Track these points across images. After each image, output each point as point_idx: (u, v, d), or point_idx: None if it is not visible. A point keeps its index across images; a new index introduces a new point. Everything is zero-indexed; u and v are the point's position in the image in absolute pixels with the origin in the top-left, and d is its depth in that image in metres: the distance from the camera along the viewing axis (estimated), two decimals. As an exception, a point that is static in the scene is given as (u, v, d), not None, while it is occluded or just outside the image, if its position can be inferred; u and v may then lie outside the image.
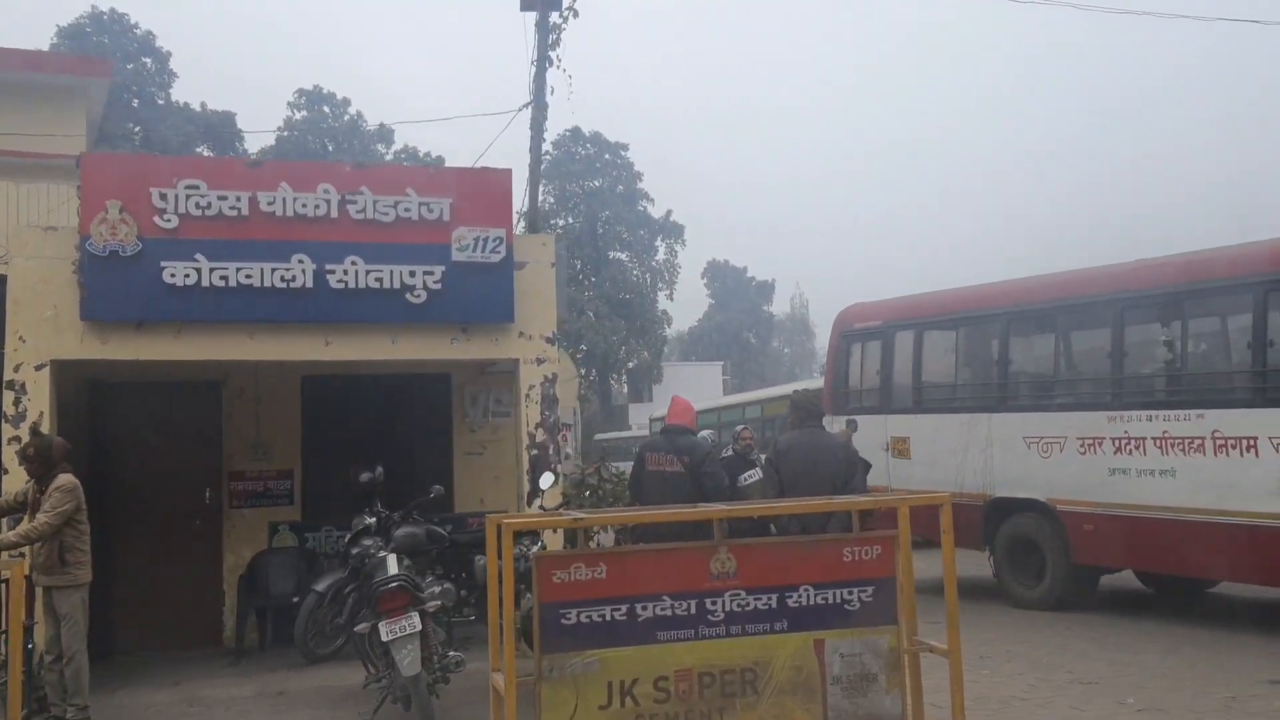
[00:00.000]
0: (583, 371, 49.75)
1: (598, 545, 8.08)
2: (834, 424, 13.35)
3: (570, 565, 5.14)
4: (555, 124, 53.16)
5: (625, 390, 54.28)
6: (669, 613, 5.30)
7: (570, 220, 50.30)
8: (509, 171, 9.78)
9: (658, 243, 52.30)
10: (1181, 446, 9.82)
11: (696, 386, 44.91)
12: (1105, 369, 10.86)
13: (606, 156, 51.13)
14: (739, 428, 12.95)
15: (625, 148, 51.46)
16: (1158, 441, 10.01)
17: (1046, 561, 11.20)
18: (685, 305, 67.18)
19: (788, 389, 21.79)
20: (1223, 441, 9.49)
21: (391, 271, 9.17)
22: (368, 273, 9.12)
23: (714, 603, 5.37)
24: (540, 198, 49.57)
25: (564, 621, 5.07)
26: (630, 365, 50.61)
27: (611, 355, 48.77)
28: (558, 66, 15.87)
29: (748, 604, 5.42)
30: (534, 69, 15.90)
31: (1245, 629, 9.92)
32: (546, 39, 15.78)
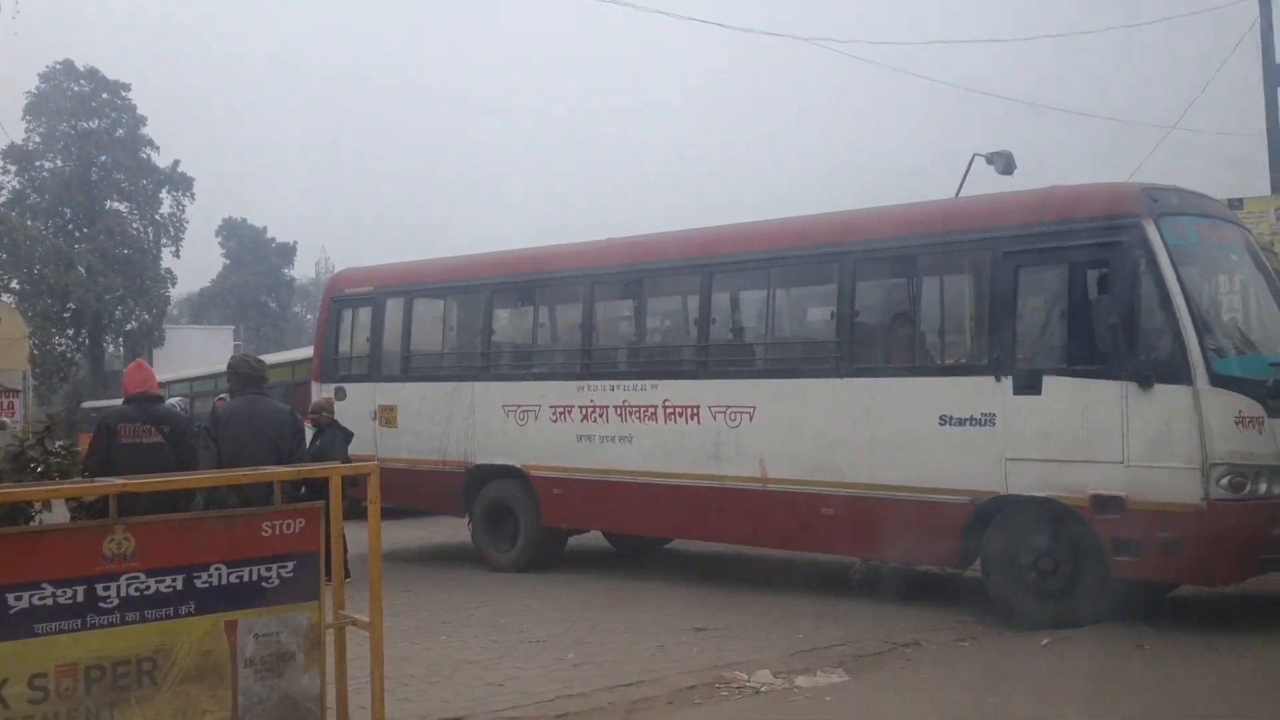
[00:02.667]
0: (70, 332, 44.77)
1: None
2: (321, 391, 12.95)
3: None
4: (50, 53, 47.15)
5: (121, 354, 49.56)
6: (50, 602, 4.67)
7: (59, 163, 44.89)
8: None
9: (163, 195, 48.11)
10: (638, 414, 10.56)
11: (205, 352, 41.98)
12: (576, 341, 11.42)
13: (105, 96, 46.13)
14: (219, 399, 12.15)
15: (127, 88, 46.71)
16: (619, 410, 10.69)
17: (520, 526, 11.59)
18: (197, 265, 62.55)
19: (299, 354, 20.94)
20: (671, 410, 10.32)
21: None
22: None
23: (107, 588, 4.82)
24: (25, 134, 43.59)
25: (-95, 620, 4.31)
26: (128, 327, 46.24)
27: (106, 315, 44.27)
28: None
29: (148, 587, 4.92)
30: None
31: (687, 582, 10.89)
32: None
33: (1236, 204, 14.21)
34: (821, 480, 9.40)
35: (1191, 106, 28.57)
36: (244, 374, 7.22)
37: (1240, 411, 7.65)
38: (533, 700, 6.64)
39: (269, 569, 5.24)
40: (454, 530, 13.65)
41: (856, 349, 9.45)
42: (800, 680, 7.04)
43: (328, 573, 5.54)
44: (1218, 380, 7.65)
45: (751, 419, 9.83)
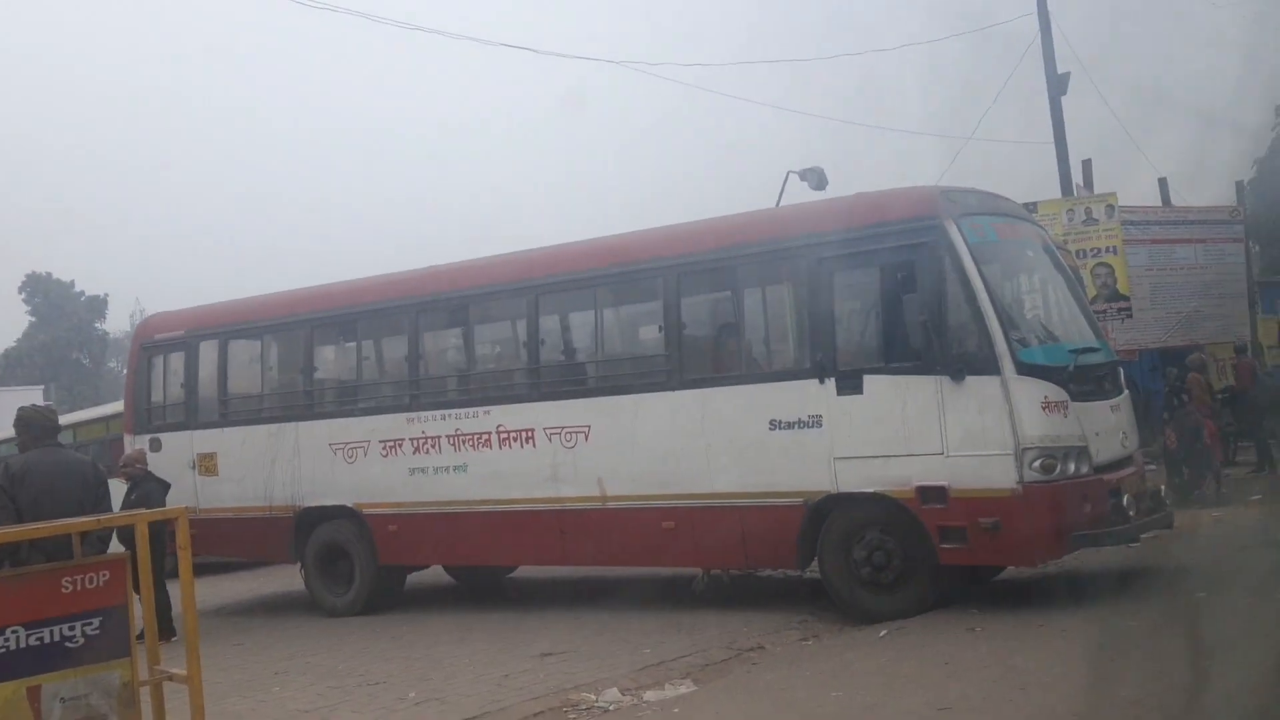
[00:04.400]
0: None
1: None
2: (134, 443, 12.26)
3: None
4: None
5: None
6: None
7: None
8: None
9: (-48, 251, 45.04)
10: (472, 442, 10.37)
11: (12, 414, 39.34)
12: (403, 372, 11.16)
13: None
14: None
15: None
16: (451, 439, 10.47)
17: (355, 567, 11.21)
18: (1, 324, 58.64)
19: (111, 409, 19.80)
20: (506, 435, 10.18)
21: None
22: None
23: (-116, 663, 4.41)
24: None
25: None
26: (-78, 394, 42.99)
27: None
28: None
29: (-67, 659, 4.53)
30: None
31: (532, 609, 10.74)
32: None
33: (1031, 207, 15.00)
34: (660, 494, 9.42)
35: (985, 116, 30.13)
36: (37, 424, 6.73)
37: (1046, 397, 8.03)
38: (373, 743, 6.39)
39: (72, 627, 4.89)
40: (288, 579, 13.12)
41: (686, 361, 9.53)
42: (649, 695, 7.00)
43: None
44: (1023, 369, 8.01)
45: (587, 438, 9.79)
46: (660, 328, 9.72)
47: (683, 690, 7.08)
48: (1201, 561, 9.54)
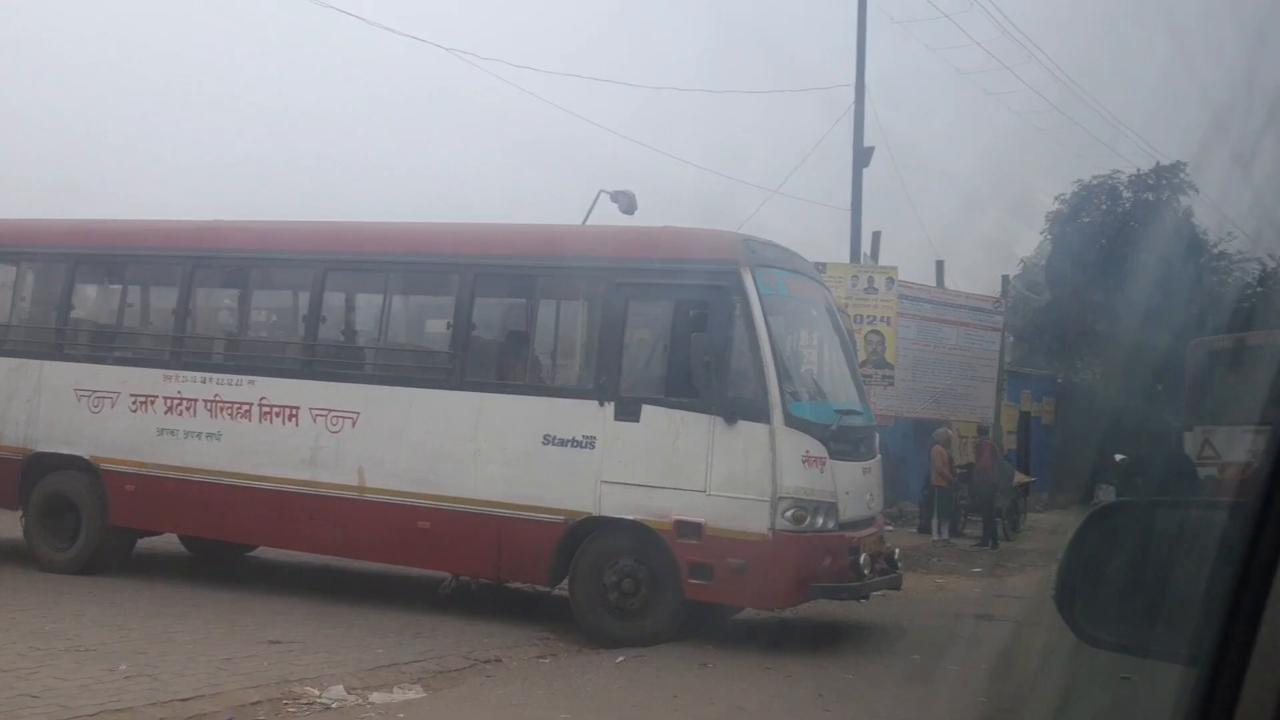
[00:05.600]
0: None
1: None
2: None
3: None
4: None
5: None
6: None
7: None
8: None
9: None
10: (231, 411, 9.90)
11: None
12: (168, 326, 10.57)
13: None
14: None
15: None
16: (209, 404, 9.97)
17: (82, 522, 10.46)
18: None
19: None
20: (269, 409, 9.77)
21: None
22: None
23: None
24: None
25: None
26: None
27: None
28: None
29: None
30: None
31: (268, 592, 10.28)
32: None
33: (820, 268, 15.70)
34: (421, 493, 9.25)
35: (793, 174, 31.44)
36: None
37: (808, 451, 8.39)
38: (71, 714, 5.97)
39: None
40: (6, 524, 12.12)
41: (469, 362, 9.43)
42: (375, 696, 6.83)
43: None
44: (791, 421, 8.35)
45: (354, 425, 9.52)
46: (449, 325, 9.58)
47: (411, 695, 6.95)
48: (922, 625, 10.16)
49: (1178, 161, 25.21)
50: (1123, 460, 15.68)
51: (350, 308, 10.47)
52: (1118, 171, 26.26)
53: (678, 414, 8.54)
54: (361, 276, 10.25)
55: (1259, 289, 23.96)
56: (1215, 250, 25.67)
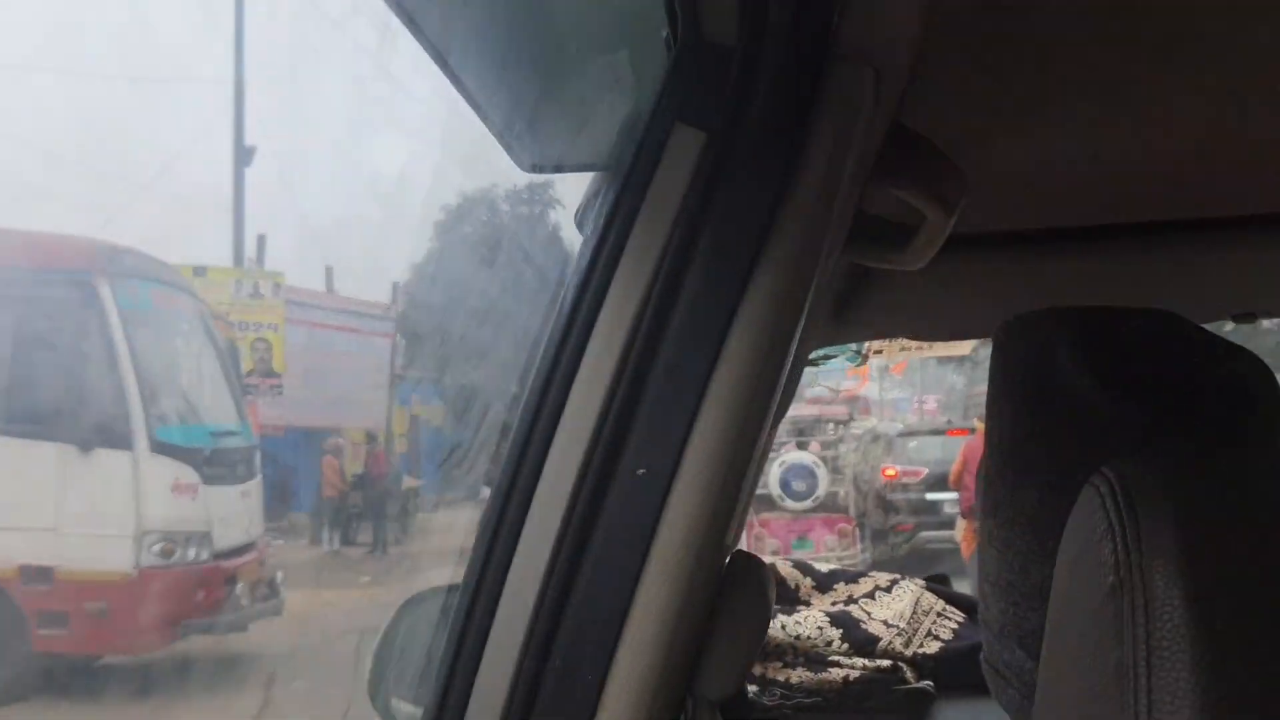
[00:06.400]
0: None
1: None
2: None
3: None
4: None
5: None
6: None
7: None
8: None
9: None
10: None
11: None
12: None
13: None
14: None
15: None
16: None
17: None
18: None
19: None
20: None
21: None
22: None
23: None
24: None
25: None
26: None
27: None
28: None
29: None
30: None
31: None
32: None
33: (201, 272, 14.79)
34: None
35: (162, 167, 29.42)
36: None
37: (178, 479, 7.80)
38: None
39: None
40: None
41: None
42: None
43: None
44: (159, 448, 7.72)
45: None
46: None
47: None
48: (308, 646, 9.93)
49: (548, 180, 27.49)
50: None
51: None
52: (497, 184, 27.98)
53: (21, 443, 7.49)
54: None
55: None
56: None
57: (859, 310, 1.73)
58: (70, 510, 7.49)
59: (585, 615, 0.74)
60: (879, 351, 2.72)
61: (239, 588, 8.24)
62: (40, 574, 7.41)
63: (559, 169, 0.90)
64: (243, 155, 18.00)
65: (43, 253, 7.94)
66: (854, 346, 2.45)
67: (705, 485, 0.74)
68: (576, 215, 0.92)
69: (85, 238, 8.38)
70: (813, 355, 2.17)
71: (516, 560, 0.77)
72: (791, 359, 0.85)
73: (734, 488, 0.77)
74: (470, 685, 0.78)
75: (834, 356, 2.45)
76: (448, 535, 16.95)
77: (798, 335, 0.82)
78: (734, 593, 0.84)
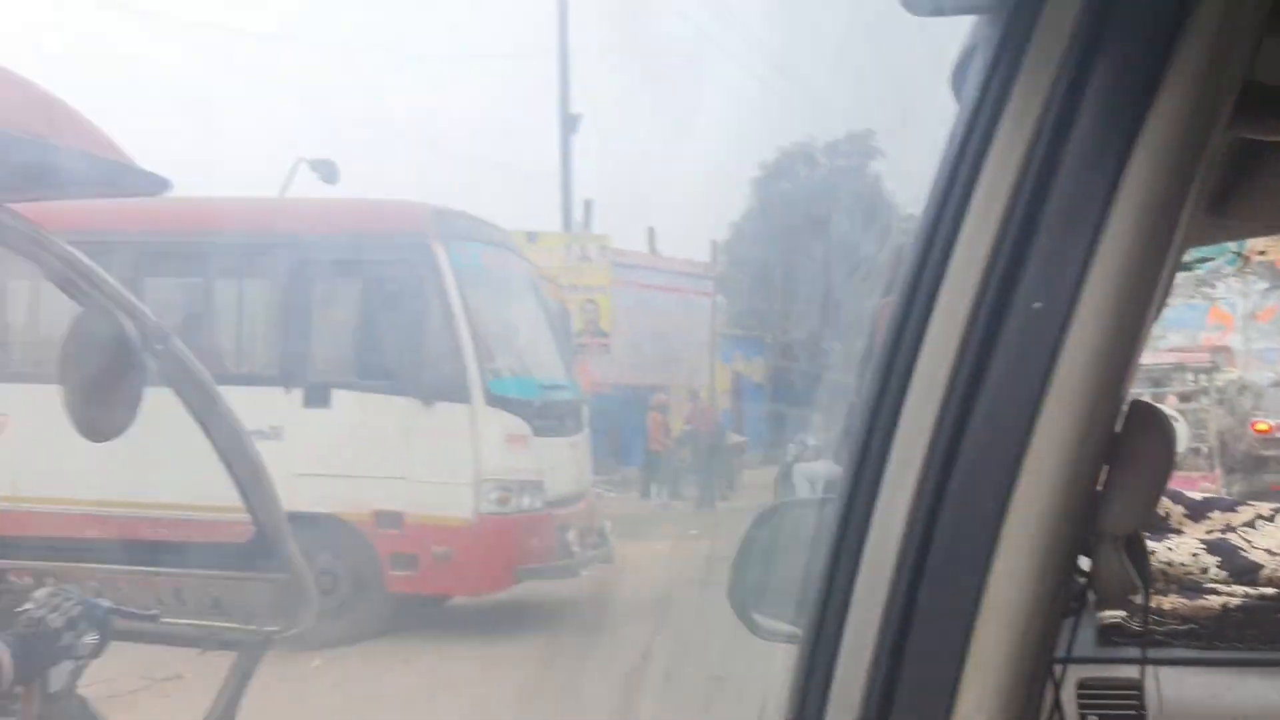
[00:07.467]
0: None
1: None
2: None
3: None
4: None
5: None
6: None
7: None
8: None
9: None
10: None
11: None
12: None
13: None
14: None
15: None
16: None
17: None
18: None
19: None
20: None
21: None
22: None
23: None
24: None
25: None
26: None
27: None
28: None
29: None
30: None
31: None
32: None
33: (532, 237, 15.48)
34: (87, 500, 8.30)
35: (500, 143, 31.07)
36: None
37: (511, 430, 8.11)
38: None
39: None
40: None
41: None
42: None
43: None
44: (493, 400, 8.04)
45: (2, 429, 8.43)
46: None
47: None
48: (636, 597, 10.15)
49: (867, 129, 26.70)
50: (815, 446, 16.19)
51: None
52: (814, 138, 27.56)
53: (371, 397, 8.05)
54: None
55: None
56: (905, 213, 27.42)
57: (1244, 200, 1.51)
58: (416, 459, 7.97)
59: (977, 458, 0.76)
60: (1263, 253, 2.30)
61: (570, 535, 8.50)
62: (393, 519, 7.95)
63: (939, 12, 0.85)
64: (568, 123, 18.61)
65: (382, 219, 8.47)
66: (1232, 247, 2.07)
67: (1105, 321, 0.74)
68: (952, 76, 0.93)
69: (419, 203, 8.87)
70: (1186, 258, 1.84)
71: (901, 424, 0.79)
72: (1178, 240, 0.82)
73: (1133, 327, 0.76)
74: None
75: (1210, 260, 2.08)
76: (769, 493, 16.89)
77: (1187, 207, 0.77)
78: (1135, 436, 0.83)
